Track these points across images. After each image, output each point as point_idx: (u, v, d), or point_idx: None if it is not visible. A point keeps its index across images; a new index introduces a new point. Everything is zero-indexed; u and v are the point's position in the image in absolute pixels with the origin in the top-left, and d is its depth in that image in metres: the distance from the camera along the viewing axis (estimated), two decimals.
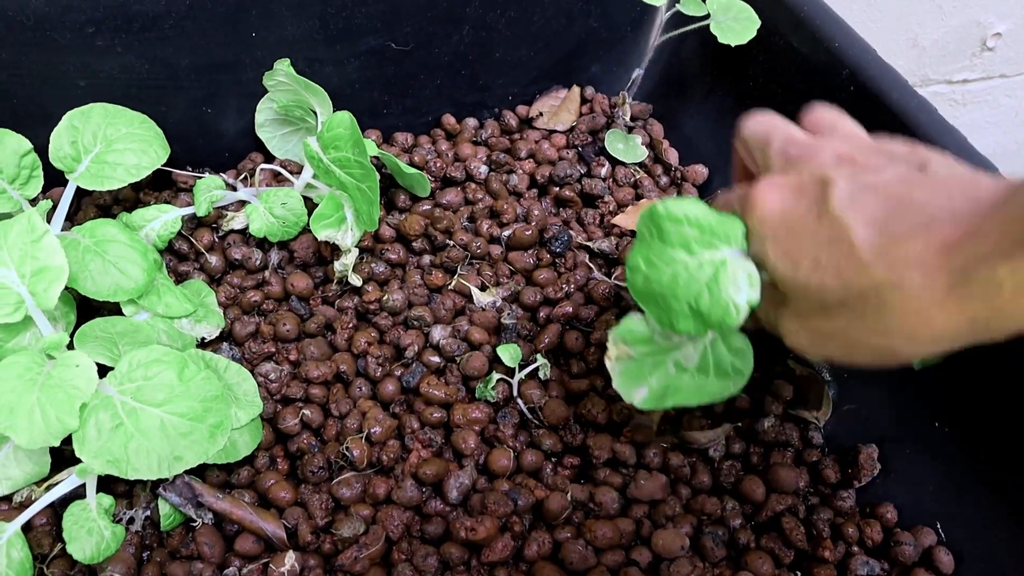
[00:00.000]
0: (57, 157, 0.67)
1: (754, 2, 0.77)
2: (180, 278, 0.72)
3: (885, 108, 0.67)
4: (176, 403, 0.56)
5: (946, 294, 0.38)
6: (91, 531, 0.55)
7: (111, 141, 0.68)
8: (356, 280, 0.68)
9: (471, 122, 0.86)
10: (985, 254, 0.37)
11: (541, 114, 0.86)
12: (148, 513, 0.59)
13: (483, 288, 0.70)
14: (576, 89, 0.88)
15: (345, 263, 0.68)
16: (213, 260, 0.72)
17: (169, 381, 0.56)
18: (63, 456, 0.61)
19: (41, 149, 0.68)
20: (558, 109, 0.87)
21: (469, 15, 0.80)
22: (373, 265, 0.70)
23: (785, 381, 0.69)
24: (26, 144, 0.66)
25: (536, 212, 0.75)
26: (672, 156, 0.84)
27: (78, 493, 0.58)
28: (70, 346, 0.60)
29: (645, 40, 0.88)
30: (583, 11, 0.84)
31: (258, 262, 0.71)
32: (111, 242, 0.63)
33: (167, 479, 0.58)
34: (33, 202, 0.67)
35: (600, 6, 0.85)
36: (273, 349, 0.67)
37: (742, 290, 0.46)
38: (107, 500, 0.57)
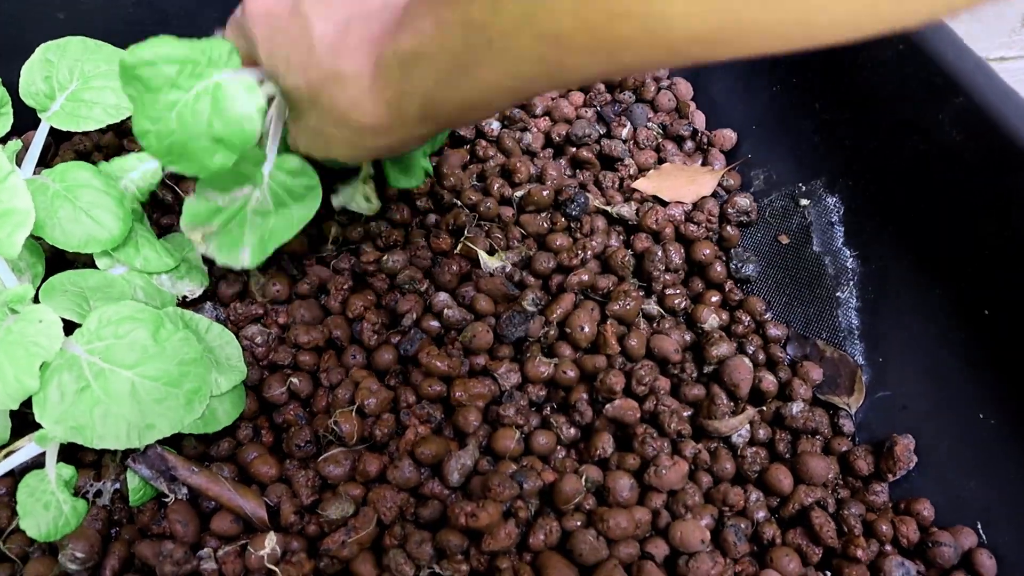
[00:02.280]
0: (28, 93, 0.61)
1: None
2: (163, 231, 0.66)
3: (938, 67, 0.61)
4: (149, 365, 0.50)
5: (371, 82, 0.41)
6: (48, 505, 0.49)
7: (89, 78, 0.62)
8: (373, 202, 0.61)
9: None
10: (387, 41, 0.40)
11: None
12: (118, 486, 0.54)
13: (491, 252, 0.64)
14: None
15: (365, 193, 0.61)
16: None
17: (142, 341, 0.51)
18: (27, 420, 0.55)
19: (12, 86, 0.62)
20: None
21: None
22: (373, 224, 0.65)
23: (815, 363, 0.64)
24: None
25: (552, 172, 0.69)
26: (699, 119, 0.78)
27: (40, 462, 0.52)
28: (36, 300, 0.54)
29: None
30: None
31: None
32: (84, 187, 0.57)
33: (137, 449, 0.53)
34: (3, 141, 0.61)
35: None
36: (261, 311, 0.61)
37: (244, 101, 0.44)
38: (68, 471, 0.51)
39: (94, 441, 0.49)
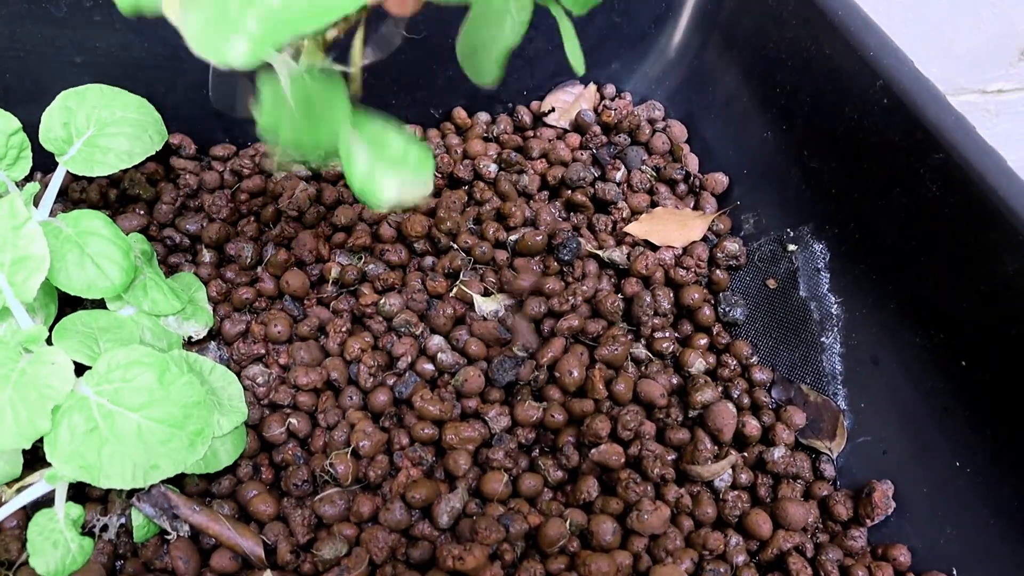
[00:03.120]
0: (48, 139, 0.64)
1: (787, 6, 0.73)
2: (171, 270, 0.68)
3: (919, 123, 0.63)
4: (155, 408, 0.53)
5: None
6: (57, 544, 0.52)
7: (105, 124, 0.65)
8: None
9: (483, 117, 0.82)
10: None
11: (552, 109, 0.82)
12: (123, 521, 0.57)
13: (486, 294, 0.66)
14: (592, 86, 0.84)
15: None
16: (207, 256, 0.69)
17: (148, 384, 0.53)
18: (37, 455, 0.58)
19: (32, 127, 0.65)
20: (571, 105, 0.83)
21: None
22: (372, 266, 0.67)
23: (798, 407, 0.66)
24: (14, 123, 0.63)
25: (545, 217, 0.72)
26: (692, 163, 0.80)
27: (50, 499, 0.55)
28: (49, 340, 0.57)
29: (668, 38, 0.84)
30: (605, 6, 0.80)
31: (250, 258, 0.68)
32: (93, 235, 0.60)
33: (143, 487, 0.55)
34: (21, 184, 0.64)
35: (623, 1, 0.81)
36: (263, 351, 0.64)
37: None
38: (76, 510, 0.54)
39: (101, 480, 0.51)
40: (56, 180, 0.65)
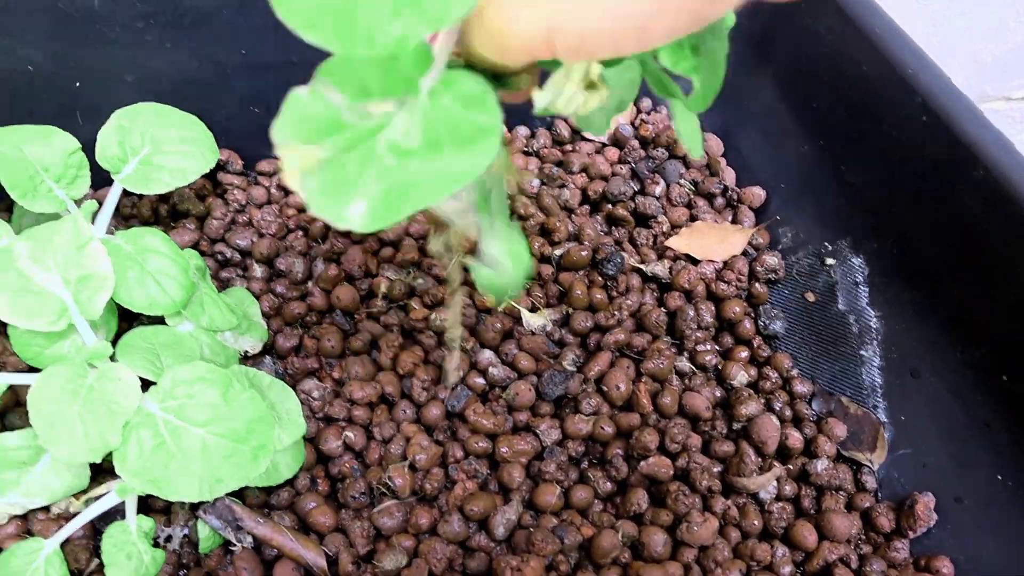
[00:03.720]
0: (104, 157, 0.65)
1: (823, 22, 0.74)
2: (223, 285, 0.70)
3: (959, 140, 0.64)
4: (219, 423, 0.54)
5: None
6: (130, 555, 0.53)
7: (159, 143, 0.66)
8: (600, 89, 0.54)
9: (522, 130, 0.83)
10: None
11: None
12: (186, 532, 0.58)
13: (533, 309, 0.68)
14: None
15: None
16: (258, 271, 0.70)
17: (213, 400, 0.55)
18: (101, 467, 0.60)
19: (87, 143, 0.66)
20: None
21: None
22: (420, 281, 0.69)
23: (839, 419, 0.67)
24: (73, 143, 0.65)
25: (589, 231, 0.73)
26: (729, 176, 0.81)
27: (118, 509, 0.57)
28: (113, 355, 0.58)
29: None
30: None
31: (300, 273, 0.69)
32: (152, 253, 0.61)
33: (207, 500, 0.57)
34: (79, 202, 0.65)
35: None
36: (316, 365, 0.65)
37: None
38: (147, 523, 0.56)
39: (169, 494, 0.53)
40: (112, 198, 0.66)
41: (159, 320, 0.63)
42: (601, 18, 0.26)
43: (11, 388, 0.64)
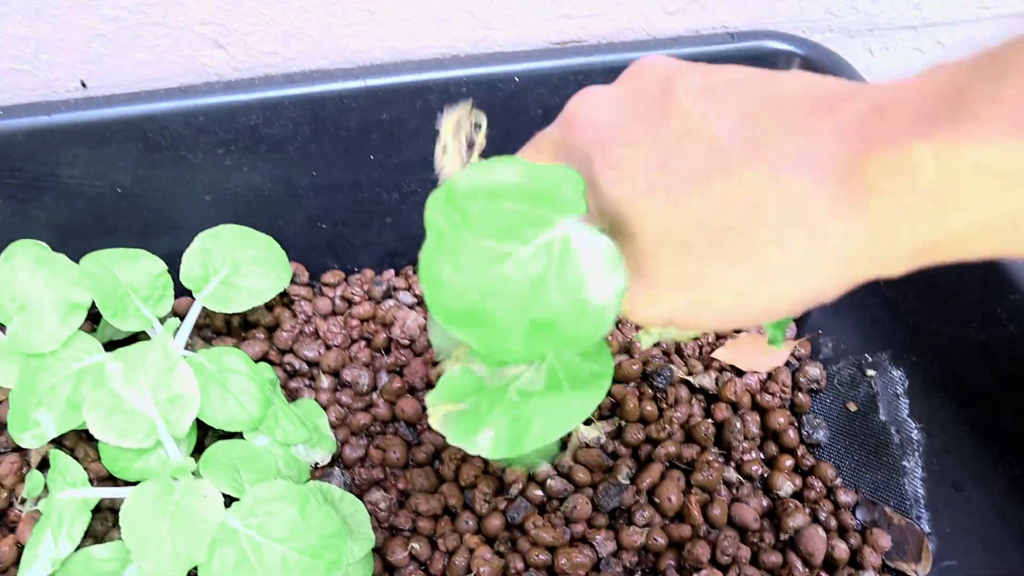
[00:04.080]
0: (188, 278, 0.70)
1: None
2: (291, 394, 0.74)
3: (994, 265, 0.67)
4: (297, 539, 0.58)
5: (843, 193, 0.28)
6: None
7: (238, 264, 0.71)
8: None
9: None
10: (894, 132, 0.27)
11: None
12: None
13: (587, 422, 0.71)
14: None
15: None
16: (325, 382, 0.74)
17: (291, 518, 0.58)
18: None
19: (166, 258, 0.71)
20: None
21: None
22: None
23: (883, 529, 0.69)
24: (160, 265, 0.70)
25: (638, 344, 0.77)
26: None
27: None
28: (195, 470, 0.62)
29: None
30: None
31: (366, 385, 0.73)
32: (233, 372, 0.66)
33: None
34: (163, 320, 0.70)
35: None
36: (382, 475, 0.69)
37: (603, 276, 0.32)
38: None
39: None
40: (192, 315, 0.71)
41: (236, 434, 0.67)
42: (701, 315, 0.34)
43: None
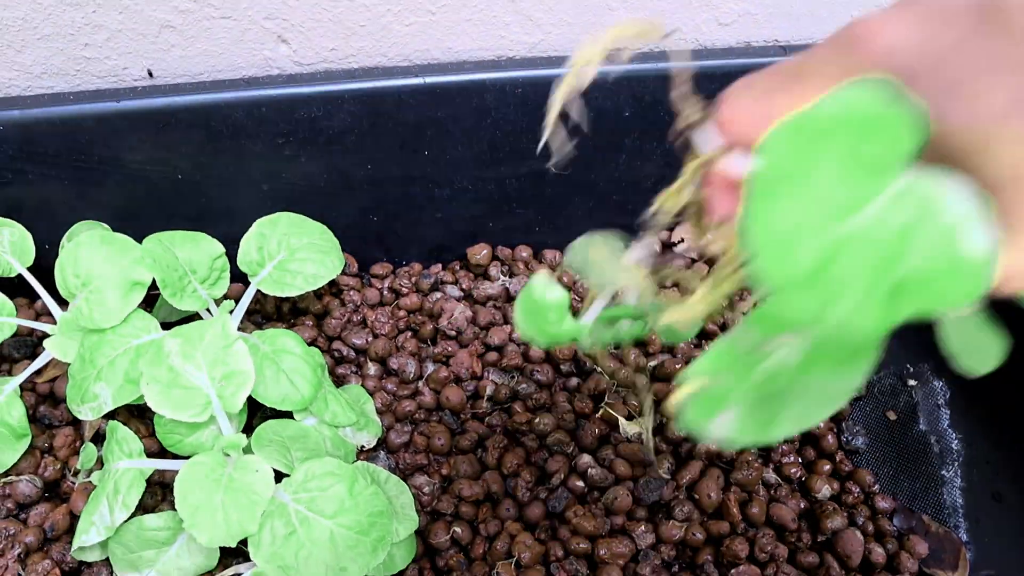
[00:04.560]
0: (244, 261, 0.72)
1: None
2: (338, 380, 0.76)
3: None
4: (345, 516, 0.59)
5: None
6: None
7: (294, 250, 0.73)
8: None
9: None
10: None
11: (682, 240, 0.89)
12: None
13: (630, 418, 0.72)
14: None
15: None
16: (371, 369, 0.76)
17: (340, 494, 0.60)
18: (226, 549, 0.64)
19: (223, 243, 0.73)
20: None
21: (627, 145, 0.84)
22: (523, 385, 0.73)
23: (920, 536, 0.70)
24: (218, 248, 0.72)
25: (682, 345, 0.78)
26: None
27: None
28: (246, 446, 0.64)
29: None
30: None
31: (412, 373, 0.75)
32: (287, 353, 0.67)
33: None
34: (218, 302, 0.72)
35: None
36: (425, 461, 0.70)
37: (974, 226, 0.27)
38: None
39: None
40: (247, 297, 0.73)
41: (285, 414, 0.69)
42: None
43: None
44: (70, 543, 0.64)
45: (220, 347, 0.64)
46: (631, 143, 0.84)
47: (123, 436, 0.64)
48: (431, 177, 0.82)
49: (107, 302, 0.67)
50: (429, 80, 0.77)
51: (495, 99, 0.79)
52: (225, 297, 0.74)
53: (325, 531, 0.59)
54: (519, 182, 0.84)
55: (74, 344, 0.69)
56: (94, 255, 0.68)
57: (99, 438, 0.71)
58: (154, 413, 0.63)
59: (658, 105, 0.83)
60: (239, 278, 0.74)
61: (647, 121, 0.84)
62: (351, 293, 0.81)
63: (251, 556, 0.58)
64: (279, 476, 0.61)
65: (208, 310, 0.72)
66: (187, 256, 0.71)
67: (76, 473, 0.70)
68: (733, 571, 0.64)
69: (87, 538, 0.61)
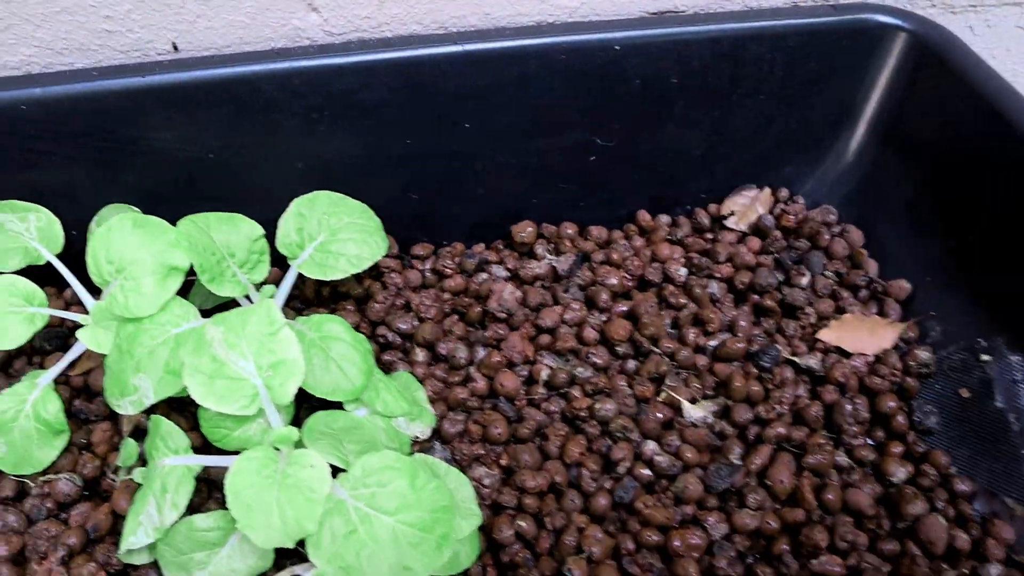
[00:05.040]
0: (283, 243, 0.68)
1: (966, 111, 0.74)
2: (385, 368, 0.72)
3: None
4: (408, 512, 0.55)
5: None
6: None
7: (335, 230, 0.69)
8: None
9: (664, 219, 0.85)
10: None
11: (732, 213, 0.85)
12: None
13: (693, 401, 0.68)
14: (767, 190, 0.87)
15: None
16: (419, 355, 0.72)
17: (401, 489, 0.56)
18: (281, 550, 0.61)
19: (261, 222, 0.69)
20: (747, 209, 0.86)
21: (675, 114, 0.80)
22: (580, 369, 0.70)
23: (1005, 521, 0.66)
24: (258, 230, 0.68)
25: (743, 323, 0.74)
26: (871, 267, 0.81)
27: None
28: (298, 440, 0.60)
29: (844, 144, 0.86)
30: (783, 112, 0.83)
31: (463, 359, 0.71)
32: (335, 340, 0.63)
33: None
34: (258, 286, 0.68)
35: (801, 108, 0.83)
36: (482, 451, 0.66)
37: None
38: None
39: None
40: (287, 282, 0.69)
41: (334, 404, 0.65)
42: None
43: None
44: (114, 544, 0.61)
45: (266, 334, 0.60)
46: (678, 111, 0.80)
47: (167, 431, 0.61)
48: (472, 151, 0.78)
49: (143, 289, 0.63)
50: (468, 48, 0.73)
51: (537, 67, 0.75)
52: (264, 282, 0.70)
53: (387, 529, 0.55)
54: (563, 155, 0.80)
55: (108, 334, 0.65)
56: (127, 239, 0.64)
57: (138, 433, 0.68)
58: (196, 406, 0.59)
59: (707, 71, 0.79)
60: (276, 262, 0.70)
61: (695, 88, 0.80)
62: (392, 275, 0.77)
63: (309, 556, 0.54)
64: (334, 471, 0.58)
65: (247, 296, 0.68)
66: (224, 239, 0.67)
67: (116, 470, 0.66)
68: (814, 561, 0.61)
69: (135, 540, 0.57)
